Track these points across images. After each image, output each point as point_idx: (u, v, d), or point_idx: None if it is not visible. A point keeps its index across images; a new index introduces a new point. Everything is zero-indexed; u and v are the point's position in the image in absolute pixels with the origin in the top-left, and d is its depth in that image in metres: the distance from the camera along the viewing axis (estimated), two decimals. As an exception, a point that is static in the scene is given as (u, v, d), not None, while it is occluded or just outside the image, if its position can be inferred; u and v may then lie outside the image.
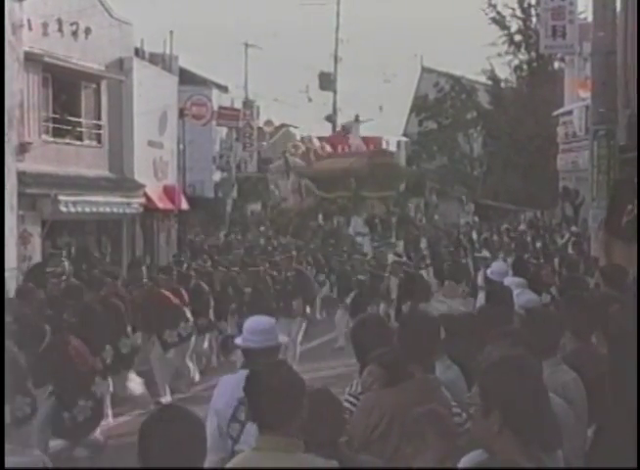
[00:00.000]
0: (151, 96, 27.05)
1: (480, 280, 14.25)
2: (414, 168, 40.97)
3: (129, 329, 12.36)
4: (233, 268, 17.50)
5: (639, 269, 8.93)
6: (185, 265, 17.52)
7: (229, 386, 5.28)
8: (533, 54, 41.89)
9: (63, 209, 22.00)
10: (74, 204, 22.48)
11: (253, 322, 5.54)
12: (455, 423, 4.50)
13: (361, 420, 4.83)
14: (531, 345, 4.39)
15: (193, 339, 13.77)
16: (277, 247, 26.66)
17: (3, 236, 18.07)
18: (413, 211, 35.49)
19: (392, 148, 41.37)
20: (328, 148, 40.74)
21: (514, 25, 43.14)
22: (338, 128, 48.57)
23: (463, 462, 3.46)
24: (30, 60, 21.51)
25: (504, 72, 44.77)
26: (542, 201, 37.80)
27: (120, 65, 26.04)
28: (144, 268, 16.87)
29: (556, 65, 41.92)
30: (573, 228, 26.40)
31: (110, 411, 11.35)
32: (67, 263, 18.49)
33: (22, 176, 20.73)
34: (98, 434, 9.85)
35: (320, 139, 42.43)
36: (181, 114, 31.65)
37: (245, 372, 4.30)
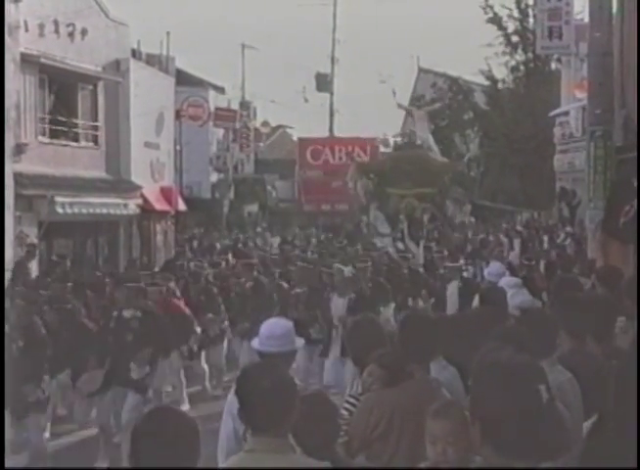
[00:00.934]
0: (147, 97, 27.04)
1: (450, 292, 13.07)
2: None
3: None
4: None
5: (639, 270, 8.94)
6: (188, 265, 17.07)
7: None
8: (530, 55, 41.91)
9: (59, 210, 21.99)
10: (71, 205, 22.46)
11: (270, 326, 5.54)
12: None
13: (361, 420, 4.84)
14: (526, 345, 4.38)
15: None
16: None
17: (3, 237, 18.04)
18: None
19: (389, 149, 41.36)
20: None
21: (511, 26, 43.18)
22: (335, 129, 48.59)
23: None
24: (27, 61, 21.50)
25: (501, 73, 44.81)
26: (539, 201, 37.83)
27: (117, 66, 26.03)
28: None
29: (552, 65, 41.95)
30: (568, 229, 26.40)
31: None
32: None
33: (18, 177, 20.72)
34: None
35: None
36: (178, 115, 31.67)
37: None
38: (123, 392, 9.85)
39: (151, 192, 27.56)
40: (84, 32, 24.15)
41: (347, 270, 13.95)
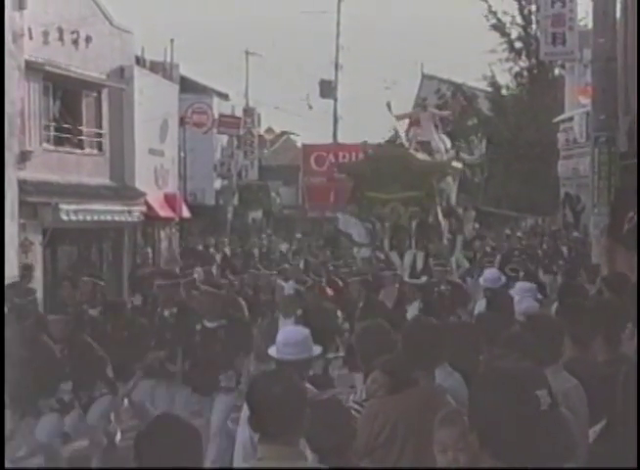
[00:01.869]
0: (152, 104, 27.08)
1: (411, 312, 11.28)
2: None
3: None
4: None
5: (639, 275, 8.92)
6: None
7: None
8: (534, 61, 41.91)
9: (64, 217, 22.01)
10: (75, 212, 22.48)
11: (287, 334, 5.58)
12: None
13: (365, 427, 4.84)
14: (531, 352, 4.38)
15: None
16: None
17: (3, 243, 18.04)
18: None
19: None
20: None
21: (514, 32, 43.22)
22: (339, 136, 48.60)
23: None
24: (31, 68, 21.53)
25: (504, 79, 44.85)
26: (543, 207, 37.82)
27: (121, 73, 26.07)
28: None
29: (556, 71, 41.98)
30: (575, 234, 26.37)
31: None
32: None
33: (23, 185, 20.74)
34: None
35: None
36: (182, 121, 31.69)
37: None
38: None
39: (155, 199, 27.58)
40: (88, 40, 24.20)
41: (288, 286, 12.40)
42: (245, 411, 5.17)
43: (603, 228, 12.11)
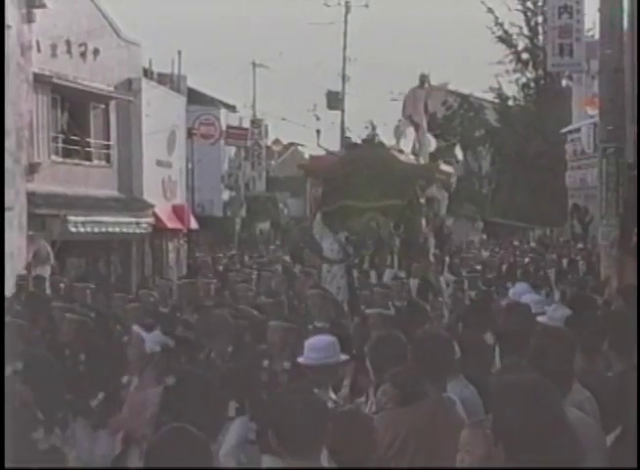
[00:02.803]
0: (159, 116, 27.14)
1: None
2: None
3: None
4: None
5: (639, 279, 8.91)
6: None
7: None
8: (541, 72, 42.00)
9: (72, 229, 22.06)
10: (84, 224, 22.53)
11: (313, 340, 5.61)
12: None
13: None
14: (546, 365, 4.36)
15: None
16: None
17: (3, 249, 18.04)
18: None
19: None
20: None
21: (521, 44, 43.29)
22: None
23: None
24: (39, 81, 21.61)
25: (512, 90, 44.91)
26: (551, 218, 37.80)
27: (129, 85, 26.15)
28: None
29: (564, 82, 42.03)
30: (580, 245, 26.30)
31: None
32: None
33: (31, 197, 20.80)
34: None
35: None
36: (189, 133, 31.75)
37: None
38: None
39: (163, 210, 27.62)
40: (96, 52, 24.29)
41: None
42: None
43: (613, 240, 12.07)
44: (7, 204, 19.37)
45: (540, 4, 40.59)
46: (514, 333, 5.80)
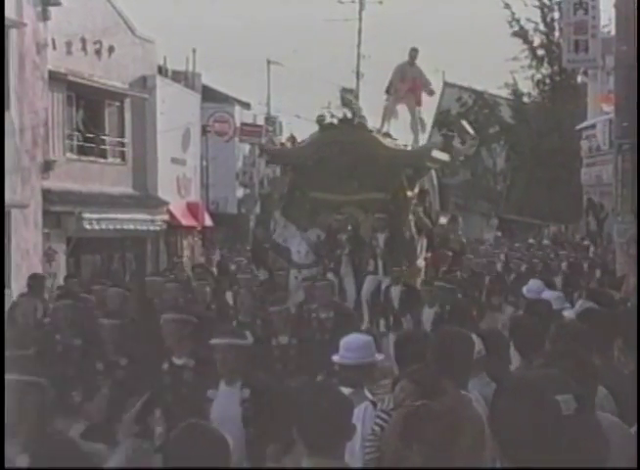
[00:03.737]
0: (174, 113, 27.19)
1: None
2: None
3: None
4: None
5: (639, 276, 8.89)
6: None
7: None
8: (556, 68, 41.83)
9: (87, 226, 22.12)
10: (98, 221, 22.59)
11: (350, 339, 5.61)
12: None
13: (394, 436, 4.81)
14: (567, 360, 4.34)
15: None
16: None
17: (3, 248, 18.08)
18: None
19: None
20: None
21: (536, 40, 43.13)
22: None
23: None
24: (55, 79, 21.67)
25: (527, 87, 44.75)
26: (566, 215, 37.69)
27: (144, 82, 26.19)
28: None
29: (579, 79, 41.83)
30: (586, 242, 26.13)
31: None
32: None
33: (46, 194, 20.87)
34: None
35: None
36: (204, 130, 31.81)
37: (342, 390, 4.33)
38: None
39: (177, 207, 27.67)
40: (111, 50, 24.34)
41: None
42: None
43: (630, 237, 12.03)
44: (23, 201, 19.46)
45: (557, 0, 40.45)
46: (535, 330, 5.77)
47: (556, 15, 41.13)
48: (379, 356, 5.69)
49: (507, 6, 42.22)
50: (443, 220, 16.83)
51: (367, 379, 5.66)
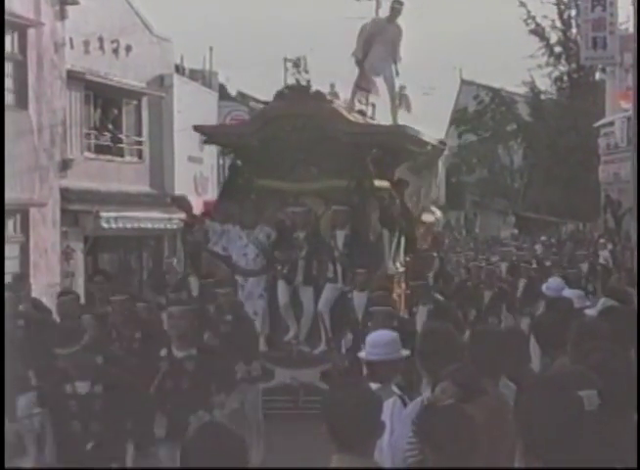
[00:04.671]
0: (191, 112, 27.18)
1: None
2: (452, 180, 39.81)
3: None
4: None
5: (639, 272, 8.85)
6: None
7: None
8: (574, 65, 41.66)
9: (104, 225, 22.17)
10: (116, 220, 22.63)
11: (376, 335, 5.64)
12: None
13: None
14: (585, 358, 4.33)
15: None
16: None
17: (3, 238, 18.12)
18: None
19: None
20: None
21: (553, 37, 42.97)
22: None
23: None
24: (72, 78, 21.73)
25: (544, 84, 44.58)
26: (584, 213, 37.55)
27: (161, 81, 26.24)
28: None
29: (597, 76, 41.69)
30: (602, 240, 26.04)
31: None
32: None
33: (64, 193, 20.94)
34: None
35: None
36: (221, 129, 31.76)
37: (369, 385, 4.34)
38: None
39: (194, 206, 27.65)
40: (128, 49, 24.40)
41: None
42: None
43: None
44: (41, 200, 19.55)
45: (573, -3, 40.28)
46: (556, 328, 5.75)
47: (573, 12, 40.96)
48: (404, 352, 5.69)
49: (522, 4, 42.09)
50: (430, 218, 14.71)
51: (393, 375, 5.65)
